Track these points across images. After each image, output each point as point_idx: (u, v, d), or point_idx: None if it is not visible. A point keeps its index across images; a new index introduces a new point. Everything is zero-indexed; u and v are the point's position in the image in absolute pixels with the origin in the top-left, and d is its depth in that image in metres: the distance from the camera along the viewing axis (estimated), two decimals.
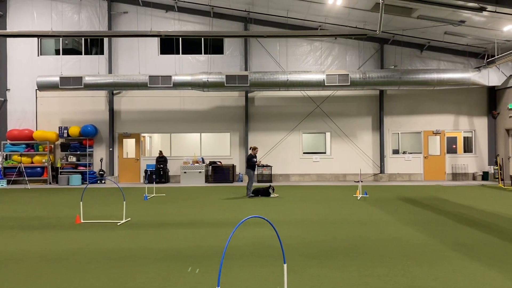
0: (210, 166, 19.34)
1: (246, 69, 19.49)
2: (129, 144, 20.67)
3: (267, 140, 19.82)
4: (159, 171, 19.14)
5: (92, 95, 19.89)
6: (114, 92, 19.83)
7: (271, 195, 13.80)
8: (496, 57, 15.95)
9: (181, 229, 8.55)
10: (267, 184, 15.55)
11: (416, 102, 19.88)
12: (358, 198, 13.12)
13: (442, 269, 5.65)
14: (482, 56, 19.16)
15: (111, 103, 19.82)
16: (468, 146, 20.44)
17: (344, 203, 12.09)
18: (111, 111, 19.81)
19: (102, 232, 8.28)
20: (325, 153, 20.13)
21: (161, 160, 19.31)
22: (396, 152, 20.08)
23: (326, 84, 17.71)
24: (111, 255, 6.52)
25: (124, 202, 9.72)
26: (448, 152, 20.07)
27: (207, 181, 19.32)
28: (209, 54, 19.79)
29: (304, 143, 20.14)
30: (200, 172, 19.17)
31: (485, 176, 19.42)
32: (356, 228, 8.45)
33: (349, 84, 17.71)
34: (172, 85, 17.93)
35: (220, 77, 17.81)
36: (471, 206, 11.28)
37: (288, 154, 19.75)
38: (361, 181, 13.22)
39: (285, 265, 4.28)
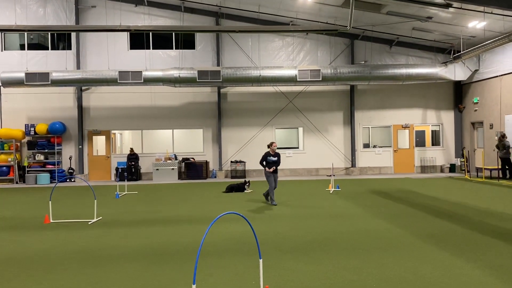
0: (183, 163, 19.17)
1: (218, 65, 19.37)
2: (99, 141, 20.22)
3: (240, 136, 19.80)
4: (130, 169, 18.83)
5: (60, 92, 19.33)
6: (83, 88, 19.33)
7: (245, 191, 13.81)
8: (461, 52, 16.42)
9: (155, 226, 8.44)
10: (242, 180, 15.53)
11: (385, 96, 20.27)
12: (331, 192, 13.29)
13: (412, 260, 5.79)
14: (448, 51, 19.69)
15: (79, 99, 19.31)
16: (435, 140, 21.03)
17: (317, 197, 12.22)
18: (80, 108, 19.31)
19: (72, 231, 8.08)
20: (298, 148, 20.29)
21: (133, 157, 18.99)
22: (366, 146, 20.44)
23: (298, 80, 17.82)
24: (82, 255, 6.37)
25: (95, 200, 9.52)
26: (417, 146, 20.59)
27: (180, 177, 19.15)
28: (180, 49, 19.55)
29: (277, 138, 20.22)
30: (172, 169, 18.97)
31: (452, 168, 20.03)
32: (330, 222, 8.56)
33: (320, 79, 17.88)
34: (142, 81, 17.62)
35: (192, 72, 17.64)
36: (439, 198, 11.61)
37: (262, 149, 19.68)
38: (333, 175, 13.40)
39: (260, 261, 4.29)
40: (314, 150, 19.94)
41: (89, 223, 8.91)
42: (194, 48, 19.69)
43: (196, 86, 18.51)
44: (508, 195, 12.04)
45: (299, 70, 17.84)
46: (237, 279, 5.14)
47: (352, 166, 19.82)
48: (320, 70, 17.89)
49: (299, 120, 19.91)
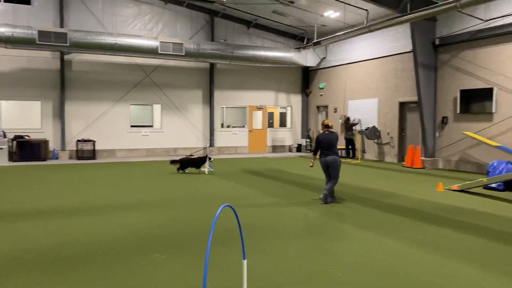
0: (15, 141, 15.86)
1: (61, 26, 16.43)
2: None
3: (88, 111, 17.35)
4: None
5: None
6: None
7: (201, 169, 12.67)
8: (318, 40, 17.43)
9: (18, 222, 6.52)
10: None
11: (243, 77, 20.39)
12: (206, 173, 12.63)
13: (338, 239, 5.67)
14: (299, 38, 20.80)
15: None
16: (284, 121, 22.21)
17: (195, 179, 11.44)
18: None
19: None
20: (154, 126, 18.89)
21: None
22: (224, 126, 20.32)
23: (159, 52, 16.42)
24: None
25: None
26: (269, 126, 21.40)
27: (11, 159, 15.81)
28: (12, 3, 15.93)
29: (132, 115, 18.45)
30: (1, 148, 15.53)
31: (299, 148, 21.47)
32: (232, 203, 7.96)
33: (183, 54, 16.85)
34: None
35: (30, 32, 14.55)
36: (311, 176, 12.09)
37: (114, 127, 17.77)
38: (192, 155, 12.74)
39: (244, 261, 3.45)
40: (173, 129, 18.87)
41: None
42: (29, 4, 16.27)
43: (34, 49, 15.37)
44: (355, 171, 13.31)
45: (161, 41, 16.44)
46: (161, 280, 4.14)
47: (210, 146, 19.45)
48: (183, 44, 16.83)
49: (157, 96, 18.50)
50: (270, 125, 21.75)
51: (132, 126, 18.27)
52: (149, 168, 13.80)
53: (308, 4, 16.47)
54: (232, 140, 20.35)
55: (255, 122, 21.05)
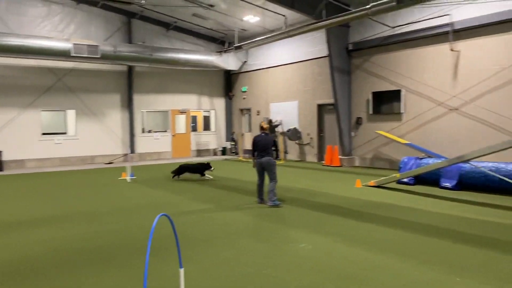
0: None
1: None
2: None
3: None
4: None
5: None
6: None
7: (204, 176, 12.08)
8: (239, 44, 17.57)
9: None
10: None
11: (164, 81, 19.95)
12: (128, 180, 12.15)
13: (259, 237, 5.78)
14: (220, 41, 20.86)
15: None
16: (208, 125, 22.12)
17: (117, 188, 10.95)
18: None
19: None
20: (68, 133, 17.75)
21: None
22: (145, 131, 19.73)
23: (73, 55, 15.48)
24: None
25: None
26: (193, 130, 21.17)
27: None
28: None
29: (44, 122, 17.19)
30: None
31: (224, 151, 21.51)
32: (161, 211, 7.74)
33: (99, 56, 16.05)
34: None
35: None
36: (238, 179, 12.16)
37: (23, 135, 16.39)
38: (112, 163, 12.19)
39: (181, 270, 3.36)
40: (89, 136, 17.85)
41: None
42: None
43: None
44: (279, 171, 13.68)
45: (74, 43, 15.52)
46: None
47: (131, 152, 18.74)
48: (98, 46, 16.05)
49: (71, 101, 17.40)
50: (194, 129, 21.53)
51: (43, 133, 16.98)
52: (65, 179, 12.94)
53: (228, 8, 16.59)
54: (155, 145, 19.81)
55: (178, 126, 20.70)
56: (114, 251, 5.44)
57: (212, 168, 12.14)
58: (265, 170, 8.28)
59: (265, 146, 8.24)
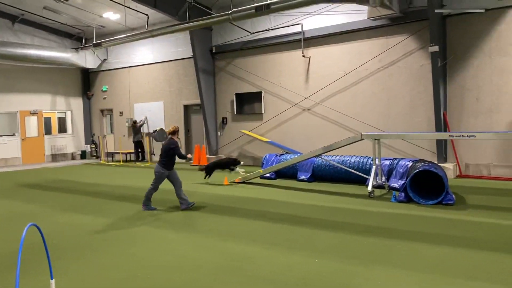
0: None
1: None
2: None
3: None
4: None
5: None
6: None
7: (233, 171, 11.16)
8: (98, 41, 16.67)
9: None
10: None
11: (12, 79, 17.85)
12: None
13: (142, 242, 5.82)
14: (77, 38, 19.50)
15: None
16: (63, 127, 20.48)
17: None
18: None
19: None
20: None
21: None
22: None
23: None
24: None
25: None
26: (46, 133, 19.38)
27: None
28: None
29: None
30: None
31: (83, 155, 20.17)
32: (23, 223, 7.06)
33: None
34: None
35: None
36: (101, 183, 11.64)
37: None
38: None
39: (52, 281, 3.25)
40: None
41: None
42: None
43: None
44: (147, 173, 13.50)
45: None
46: None
47: None
48: None
49: None
50: (48, 131, 19.71)
51: None
52: None
53: (85, 3, 15.64)
54: (0, 151, 17.63)
55: (28, 129, 18.71)
56: None
57: (242, 163, 11.61)
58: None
59: (162, 153, 7.86)
